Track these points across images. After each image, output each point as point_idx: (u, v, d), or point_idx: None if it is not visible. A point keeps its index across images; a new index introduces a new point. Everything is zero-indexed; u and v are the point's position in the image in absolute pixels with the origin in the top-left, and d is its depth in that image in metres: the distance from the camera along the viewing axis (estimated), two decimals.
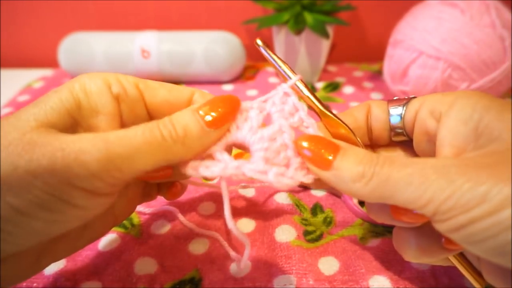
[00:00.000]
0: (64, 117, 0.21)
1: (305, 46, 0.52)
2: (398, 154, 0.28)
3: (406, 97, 0.26)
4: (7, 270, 0.20)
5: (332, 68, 0.62)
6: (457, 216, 0.18)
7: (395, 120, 0.26)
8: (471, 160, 0.19)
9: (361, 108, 0.27)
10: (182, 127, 0.21)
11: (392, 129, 0.26)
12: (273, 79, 0.57)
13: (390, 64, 0.48)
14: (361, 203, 0.33)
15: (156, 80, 0.25)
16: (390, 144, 0.28)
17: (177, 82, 0.52)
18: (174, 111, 0.23)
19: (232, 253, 0.28)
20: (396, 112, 0.26)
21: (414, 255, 0.23)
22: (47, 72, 0.61)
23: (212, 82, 0.55)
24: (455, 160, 0.19)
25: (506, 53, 0.41)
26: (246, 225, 0.31)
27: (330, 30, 0.51)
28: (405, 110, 0.25)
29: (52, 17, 0.64)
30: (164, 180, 0.27)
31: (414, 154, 0.26)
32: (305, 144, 0.22)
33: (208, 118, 0.22)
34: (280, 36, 0.53)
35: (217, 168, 0.22)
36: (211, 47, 0.53)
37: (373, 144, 0.28)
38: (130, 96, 0.24)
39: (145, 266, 0.28)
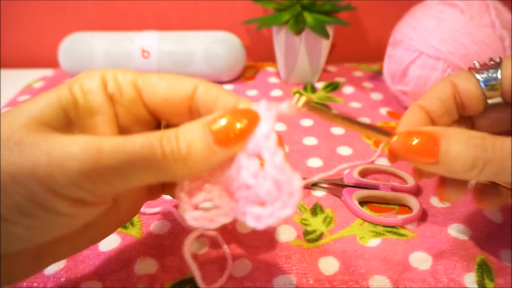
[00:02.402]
0: (59, 115, 0.20)
1: (305, 46, 0.52)
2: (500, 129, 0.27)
3: (490, 62, 0.26)
4: (5, 268, 0.19)
5: (332, 68, 0.62)
6: None
7: (489, 87, 0.25)
8: None
9: (444, 88, 0.26)
10: (186, 144, 0.19)
11: (487, 97, 0.26)
12: (273, 79, 0.57)
13: (390, 64, 0.48)
14: (361, 203, 0.33)
15: None
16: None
17: None
18: (176, 108, 0.22)
19: (228, 256, 0.28)
20: (487, 77, 0.25)
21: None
22: (47, 72, 0.61)
23: (212, 82, 0.55)
24: None
25: (505, 53, 0.41)
26: (246, 224, 0.31)
27: (330, 30, 0.51)
28: (500, 74, 0.25)
29: (52, 17, 0.64)
30: None
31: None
32: (397, 144, 0.23)
33: (220, 135, 0.19)
34: (280, 36, 0.53)
35: (222, 219, 0.21)
36: (211, 47, 0.53)
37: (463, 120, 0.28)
38: (125, 96, 0.22)
39: (145, 266, 0.28)
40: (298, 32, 0.50)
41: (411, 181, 0.35)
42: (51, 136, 0.18)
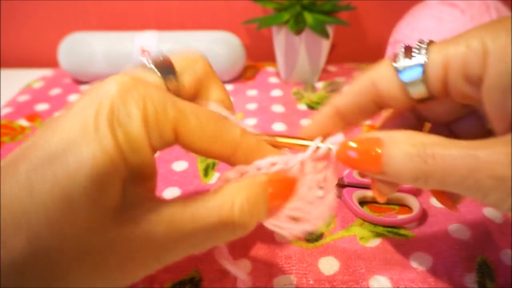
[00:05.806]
0: (118, 192, 0.17)
1: (305, 46, 0.52)
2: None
3: (412, 50, 0.22)
4: None
5: (332, 68, 0.62)
6: None
7: (416, 91, 0.21)
8: None
9: (360, 90, 0.24)
10: (255, 217, 0.19)
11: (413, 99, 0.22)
12: (273, 79, 0.57)
13: None
14: (361, 203, 0.33)
15: None
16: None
17: None
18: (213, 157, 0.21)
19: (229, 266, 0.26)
20: (410, 78, 0.21)
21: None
22: (47, 72, 0.61)
23: None
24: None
25: None
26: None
27: (330, 30, 0.51)
28: (423, 76, 0.21)
29: (52, 17, 0.64)
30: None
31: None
32: (352, 153, 0.21)
33: (274, 200, 0.20)
34: (280, 36, 0.53)
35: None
36: (211, 47, 0.53)
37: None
38: (164, 141, 0.19)
39: None
40: (298, 32, 0.50)
41: None
42: (122, 226, 0.17)
